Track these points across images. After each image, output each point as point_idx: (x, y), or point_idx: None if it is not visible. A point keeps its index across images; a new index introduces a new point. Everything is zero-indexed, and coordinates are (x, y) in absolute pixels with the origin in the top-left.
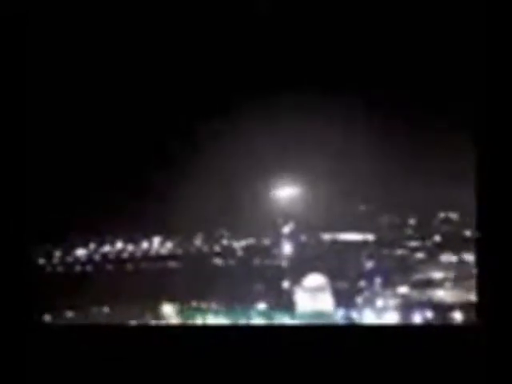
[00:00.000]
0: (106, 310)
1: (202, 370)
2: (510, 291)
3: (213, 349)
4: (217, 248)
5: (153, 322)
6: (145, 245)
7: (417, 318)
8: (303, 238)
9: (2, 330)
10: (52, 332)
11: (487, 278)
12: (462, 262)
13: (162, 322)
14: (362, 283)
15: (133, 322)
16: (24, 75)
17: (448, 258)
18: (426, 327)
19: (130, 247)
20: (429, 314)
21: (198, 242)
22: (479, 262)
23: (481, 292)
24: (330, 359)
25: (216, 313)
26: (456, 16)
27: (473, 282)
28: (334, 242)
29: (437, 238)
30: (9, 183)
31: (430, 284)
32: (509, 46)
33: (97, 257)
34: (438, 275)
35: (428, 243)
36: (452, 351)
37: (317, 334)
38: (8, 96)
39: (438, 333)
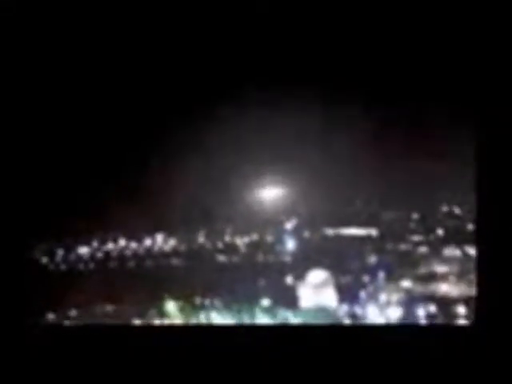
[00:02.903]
0: (109, 307)
1: (206, 370)
2: (509, 291)
3: (217, 349)
4: (220, 244)
5: (156, 320)
6: (148, 242)
7: (420, 312)
8: (306, 233)
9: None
10: (52, 332)
11: (487, 278)
12: (465, 256)
13: (166, 320)
14: (366, 278)
15: (136, 320)
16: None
17: (452, 251)
18: (425, 327)
19: (133, 244)
20: (432, 308)
21: (201, 238)
22: (479, 262)
23: (480, 292)
24: (331, 359)
25: (219, 309)
26: (454, 13)
27: None
28: (338, 237)
29: (440, 232)
30: (7, 181)
31: (434, 278)
32: (509, 44)
33: (100, 254)
34: (441, 269)
35: (431, 237)
36: (452, 352)
37: (320, 334)
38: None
39: (437, 333)
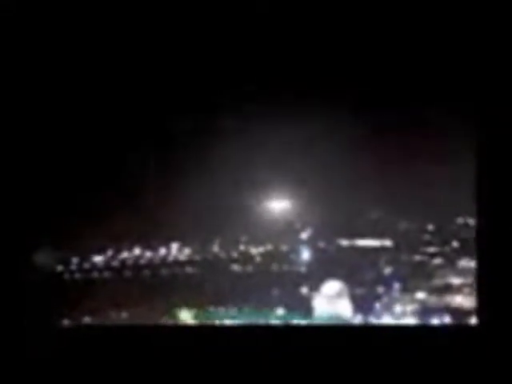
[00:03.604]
0: (124, 315)
1: (215, 370)
2: (510, 292)
3: (226, 349)
4: (234, 254)
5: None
6: (163, 251)
7: (435, 323)
8: (321, 244)
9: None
10: (58, 334)
11: (487, 278)
12: None
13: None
14: (381, 289)
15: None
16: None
17: (467, 263)
18: (426, 327)
19: (148, 253)
20: (447, 320)
21: (215, 248)
22: (479, 261)
23: (481, 292)
24: (338, 358)
25: (233, 318)
26: (454, 13)
27: None
28: (352, 248)
29: (455, 244)
30: (19, 188)
31: (449, 289)
32: (509, 45)
33: (114, 263)
34: (456, 281)
35: (446, 249)
36: (458, 351)
37: (328, 334)
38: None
39: (437, 333)
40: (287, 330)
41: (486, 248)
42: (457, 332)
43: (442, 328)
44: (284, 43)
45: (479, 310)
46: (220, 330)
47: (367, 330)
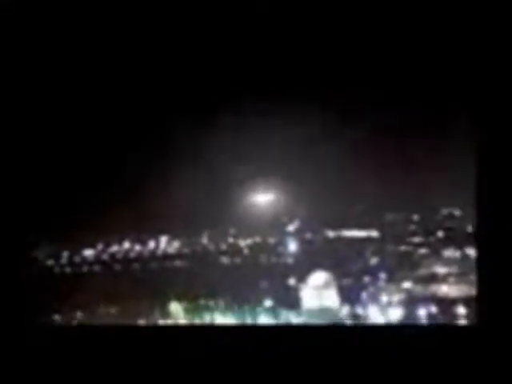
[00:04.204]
0: (114, 309)
1: (208, 370)
2: (510, 291)
3: (220, 349)
4: (223, 246)
5: (161, 321)
6: (152, 244)
7: (421, 313)
8: (308, 235)
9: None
10: (55, 333)
11: (487, 278)
12: (465, 257)
13: (170, 321)
14: (367, 279)
15: (141, 321)
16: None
17: (451, 253)
18: (426, 327)
19: (138, 247)
20: (433, 309)
21: (204, 240)
22: (479, 262)
23: (481, 292)
24: (332, 359)
25: (223, 310)
26: (453, 12)
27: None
28: (339, 239)
29: (440, 234)
30: (12, 182)
31: (434, 279)
32: (508, 45)
33: (104, 257)
34: (441, 270)
35: (431, 239)
36: (454, 352)
37: (321, 333)
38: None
39: (439, 333)
40: (279, 330)
41: (485, 247)
42: (454, 332)
43: (439, 328)
44: (283, 45)
45: (479, 310)
46: (212, 330)
47: (361, 330)
